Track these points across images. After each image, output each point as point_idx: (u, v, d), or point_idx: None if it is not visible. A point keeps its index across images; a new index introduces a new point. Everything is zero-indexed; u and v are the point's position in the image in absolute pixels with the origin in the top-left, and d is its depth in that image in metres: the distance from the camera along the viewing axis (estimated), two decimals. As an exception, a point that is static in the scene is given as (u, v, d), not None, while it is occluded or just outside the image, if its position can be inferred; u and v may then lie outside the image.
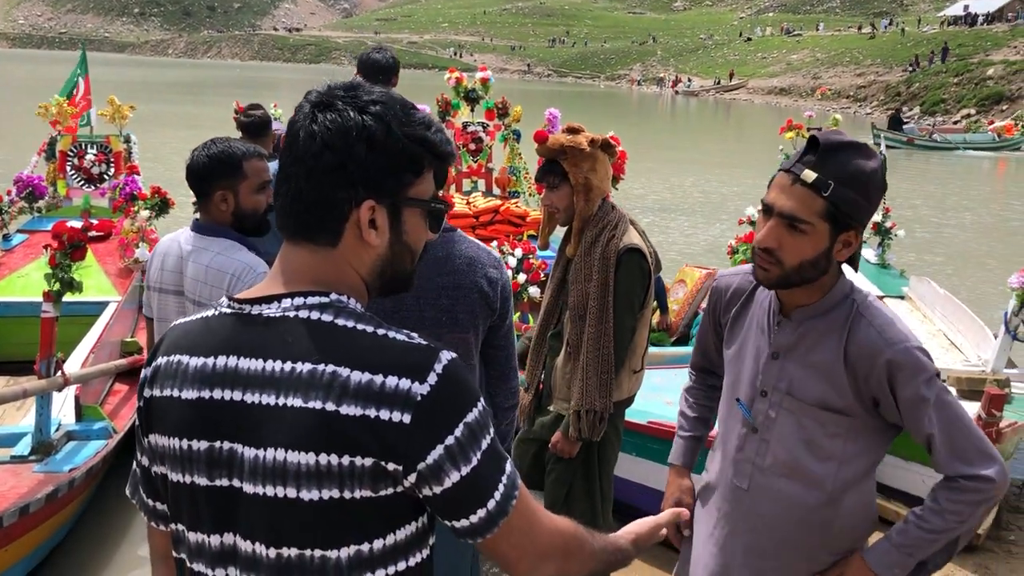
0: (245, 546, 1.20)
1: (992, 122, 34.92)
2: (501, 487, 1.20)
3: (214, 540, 1.22)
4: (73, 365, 4.56)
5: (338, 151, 1.20)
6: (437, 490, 1.17)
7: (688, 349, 4.06)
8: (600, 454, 3.15)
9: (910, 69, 53.24)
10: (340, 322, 1.20)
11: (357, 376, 1.15)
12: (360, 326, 1.20)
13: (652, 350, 5.27)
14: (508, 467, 1.23)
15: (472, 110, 8.10)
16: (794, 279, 1.82)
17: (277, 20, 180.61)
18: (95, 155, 8.16)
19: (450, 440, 1.15)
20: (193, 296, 2.67)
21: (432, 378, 1.16)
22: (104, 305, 5.72)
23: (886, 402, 1.81)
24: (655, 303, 5.85)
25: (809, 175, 1.76)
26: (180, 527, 1.27)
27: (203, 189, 2.74)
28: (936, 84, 45.99)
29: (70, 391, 4.30)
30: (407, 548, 1.22)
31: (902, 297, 6.95)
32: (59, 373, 3.98)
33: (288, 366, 1.17)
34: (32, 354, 4.01)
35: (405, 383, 1.15)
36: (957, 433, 1.76)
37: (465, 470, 1.16)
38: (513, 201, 7.84)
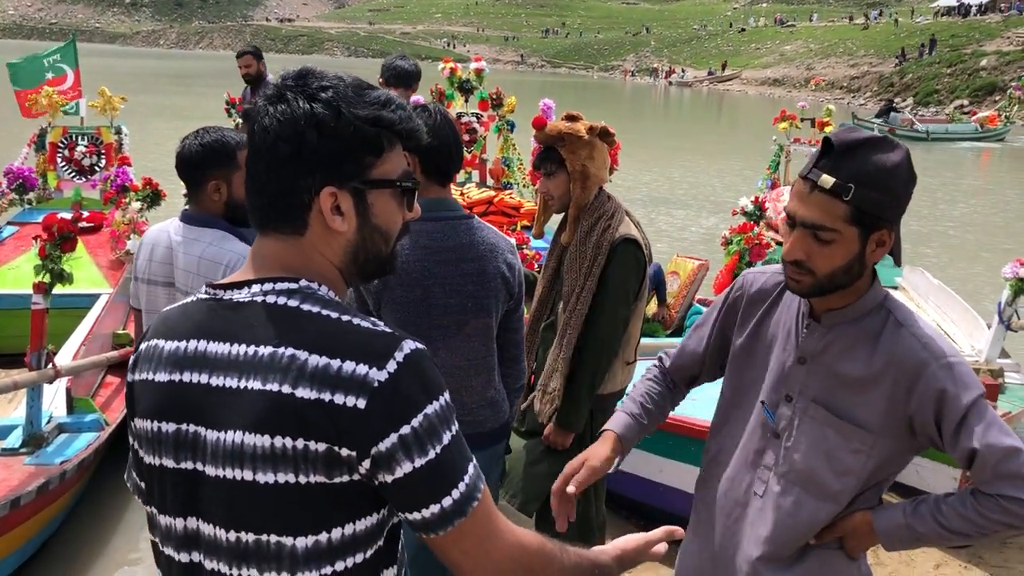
0: (207, 529, 1.21)
1: (975, 112, 34.85)
2: (461, 486, 1.18)
3: (179, 524, 1.24)
4: (64, 357, 4.53)
5: (290, 141, 1.20)
6: (388, 479, 1.15)
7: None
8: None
9: (897, 61, 53.35)
10: (305, 307, 1.20)
11: (315, 360, 1.14)
12: (325, 312, 1.20)
13: (647, 341, 5.27)
14: (471, 469, 1.20)
15: (466, 100, 8.08)
16: (828, 287, 1.75)
17: (269, 11, 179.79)
18: (86, 146, 8.13)
19: (406, 429, 1.14)
20: (185, 287, 2.64)
21: (392, 365, 1.15)
22: (96, 297, 5.70)
23: (923, 419, 1.73)
24: (655, 294, 5.83)
25: (827, 180, 1.67)
26: (153, 510, 1.29)
27: (196, 178, 2.71)
28: (929, 75, 46.03)
29: (61, 383, 4.28)
30: (367, 540, 1.21)
31: (895, 287, 6.95)
32: (50, 365, 3.96)
33: (251, 349, 1.18)
34: (23, 346, 3.99)
35: (363, 368, 1.14)
36: (1006, 454, 1.68)
37: (420, 462, 1.15)
38: (507, 192, 7.83)
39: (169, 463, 1.23)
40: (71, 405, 4.33)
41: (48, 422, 4.13)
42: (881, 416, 1.76)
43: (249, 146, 1.26)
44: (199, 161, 2.68)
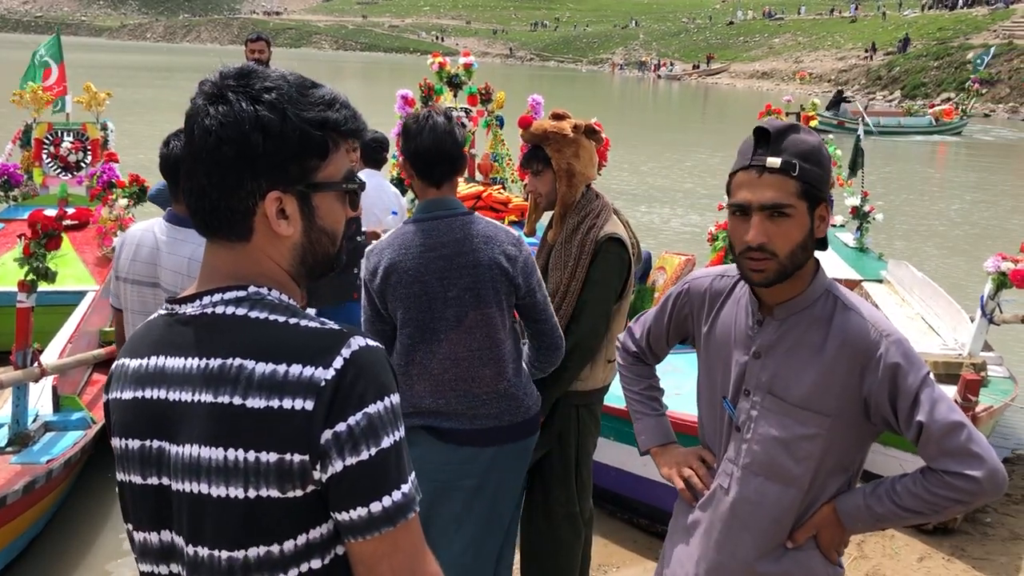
0: (179, 541, 1.21)
1: (933, 105, 34.50)
2: (396, 495, 1.14)
3: (153, 538, 1.24)
4: (51, 355, 4.52)
5: (234, 144, 1.16)
6: (323, 477, 1.13)
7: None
8: (578, 441, 3.13)
9: (868, 56, 53.58)
10: (253, 314, 1.18)
11: (262, 368, 1.13)
12: (273, 317, 1.18)
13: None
14: (410, 484, 1.17)
15: (455, 95, 8.08)
16: (789, 268, 1.81)
17: (256, 4, 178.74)
18: (71, 143, 8.08)
19: (341, 427, 1.12)
20: (173, 287, 2.64)
21: (338, 362, 1.14)
22: (82, 294, 5.68)
23: (878, 400, 1.79)
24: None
25: (775, 161, 1.79)
26: (129, 526, 1.29)
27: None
28: (917, 68, 46.15)
29: (47, 381, 4.27)
30: (322, 548, 1.18)
31: (880, 281, 6.99)
32: (36, 363, 3.95)
33: (203, 362, 1.17)
34: (8, 344, 3.98)
35: (308, 370, 1.13)
36: (950, 429, 1.73)
37: (351, 460, 1.12)
38: (496, 187, 7.83)
39: (137, 479, 1.23)
40: (57, 403, 4.32)
41: (34, 420, 4.12)
42: (836, 400, 1.82)
43: (186, 146, 1.21)
44: None
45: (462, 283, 2.57)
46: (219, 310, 1.20)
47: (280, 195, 1.19)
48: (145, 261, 2.73)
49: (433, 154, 2.60)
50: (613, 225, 3.05)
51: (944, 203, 16.28)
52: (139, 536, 1.26)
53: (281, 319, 1.18)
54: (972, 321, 5.22)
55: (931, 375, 1.79)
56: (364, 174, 4.72)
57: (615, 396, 4.26)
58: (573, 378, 3.03)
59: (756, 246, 1.79)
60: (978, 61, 41.33)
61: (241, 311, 1.19)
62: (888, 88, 45.80)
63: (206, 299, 1.21)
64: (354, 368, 1.14)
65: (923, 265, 8.91)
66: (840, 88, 31.82)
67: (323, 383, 1.12)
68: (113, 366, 1.31)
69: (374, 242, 2.72)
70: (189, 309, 1.22)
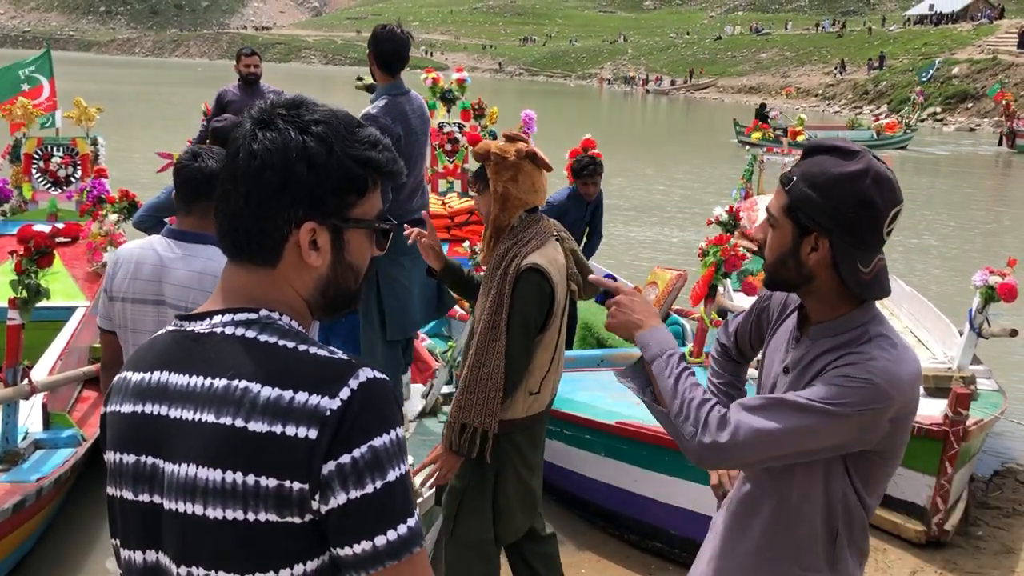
0: (165, 561, 1.20)
1: (878, 119, 34.35)
2: (402, 528, 1.12)
3: (138, 557, 1.23)
4: (40, 372, 4.49)
5: (279, 171, 1.18)
6: (323, 509, 1.12)
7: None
8: (496, 470, 3.02)
9: (838, 72, 54.13)
10: (263, 338, 1.19)
11: (267, 392, 1.13)
12: (282, 342, 1.18)
13: (621, 351, 5.30)
14: (417, 517, 1.15)
15: (448, 111, 8.11)
16: (774, 277, 1.83)
17: (246, 19, 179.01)
18: (61, 157, 8.06)
19: (346, 459, 1.11)
20: (183, 303, 2.57)
21: (345, 392, 1.13)
22: (72, 310, 5.64)
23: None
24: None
25: (785, 171, 1.81)
26: (116, 542, 1.28)
27: (208, 195, 2.65)
28: (903, 83, 46.59)
29: (37, 399, 4.24)
30: None
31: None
32: (26, 381, 3.93)
33: (207, 381, 1.17)
34: (-1, 360, 3.95)
35: (315, 399, 1.12)
36: (762, 420, 1.70)
37: (355, 494, 1.11)
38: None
39: (128, 495, 1.22)
40: (47, 421, 4.28)
41: (24, 438, 4.08)
42: None
43: (228, 167, 1.22)
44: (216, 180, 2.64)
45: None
46: (228, 331, 1.20)
47: (315, 226, 1.20)
48: (147, 279, 2.67)
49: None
50: (540, 255, 2.93)
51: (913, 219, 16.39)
52: (124, 553, 1.25)
53: (291, 344, 1.18)
54: (961, 335, 5.26)
55: (849, 406, 1.67)
56: None
57: (605, 411, 4.29)
58: (498, 410, 2.92)
59: (758, 240, 1.86)
60: (922, 74, 41.75)
61: (251, 333, 1.19)
62: (875, 102, 46.19)
63: (216, 318, 1.22)
64: (361, 400, 1.13)
65: (913, 280, 8.96)
66: (763, 102, 31.33)
67: (328, 412, 1.11)
68: (115, 379, 1.30)
69: None
70: (198, 327, 1.22)
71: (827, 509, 1.83)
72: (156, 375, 1.22)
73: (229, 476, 1.12)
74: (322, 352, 1.18)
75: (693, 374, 1.83)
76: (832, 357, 1.76)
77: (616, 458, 4.15)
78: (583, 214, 5.95)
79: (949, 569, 4.19)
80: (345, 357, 1.19)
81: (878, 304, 1.85)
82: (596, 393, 4.59)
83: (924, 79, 41.33)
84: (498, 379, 2.89)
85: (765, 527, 1.90)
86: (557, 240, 3.06)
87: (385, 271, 4.20)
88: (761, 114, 28.35)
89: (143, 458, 1.20)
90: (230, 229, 1.23)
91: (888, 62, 51.18)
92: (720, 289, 5.08)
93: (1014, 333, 5.20)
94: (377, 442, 1.12)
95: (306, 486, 1.11)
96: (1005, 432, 5.93)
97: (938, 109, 42.21)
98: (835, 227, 1.71)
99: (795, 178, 1.74)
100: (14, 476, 3.81)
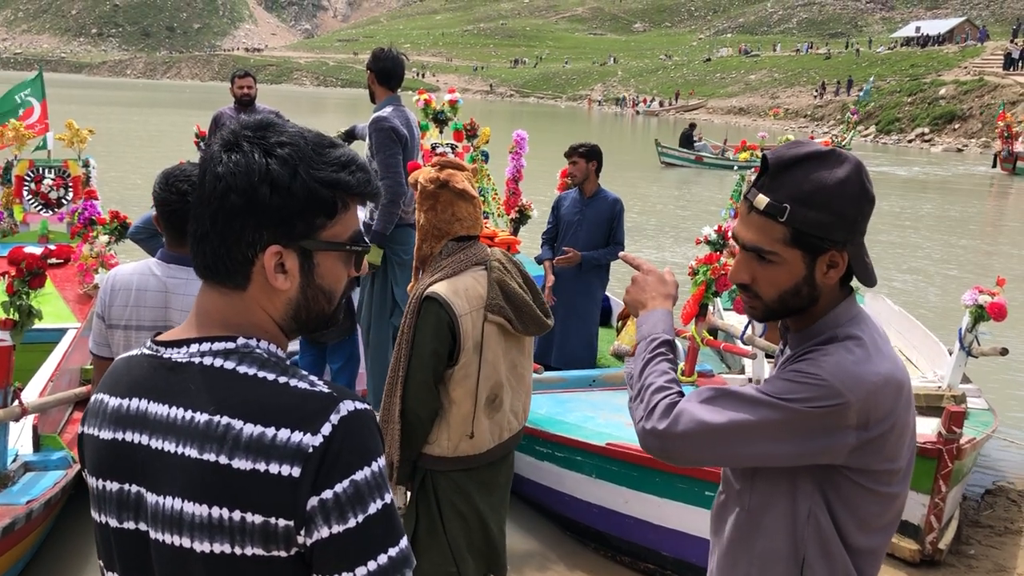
0: None
1: (813, 137, 34.70)
2: (382, 559, 1.12)
3: None
4: (31, 394, 4.47)
5: (242, 193, 1.17)
6: (307, 542, 1.12)
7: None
8: (438, 505, 2.97)
9: (817, 94, 54.68)
10: (242, 369, 1.18)
11: (249, 429, 1.12)
12: (261, 373, 1.17)
13: (612, 371, 5.30)
14: (402, 545, 1.15)
15: (440, 131, 8.14)
16: (779, 311, 1.67)
17: (238, 40, 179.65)
18: (53, 179, 8.06)
19: (328, 494, 1.11)
20: None
21: (326, 429, 1.12)
22: (63, 332, 5.62)
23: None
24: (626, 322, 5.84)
25: (761, 201, 1.59)
26: (101, 563, 1.27)
27: None
28: (891, 104, 47.05)
29: (28, 420, 4.22)
30: None
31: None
32: (16, 403, 3.91)
33: (188, 415, 1.16)
34: (-10, 384, 3.93)
35: (296, 436, 1.11)
36: (717, 411, 1.61)
37: (337, 529, 1.11)
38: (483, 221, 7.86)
39: (113, 522, 1.22)
40: (38, 443, 4.26)
41: (14, 460, 4.06)
42: None
43: (197, 190, 1.22)
44: None
45: None
46: (207, 361, 1.19)
47: (281, 249, 1.19)
48: (153, 306, 2.65)
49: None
50: (447, 284, 2.85)
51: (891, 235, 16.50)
52: None
53: (271, 377, 1.17)
54: (951, 354, 5.28)
55: (796, 402, 1.57)
56: None
57: (595, 433, 4.29)
58: (408, 443, 2.91)
59: (738, 284, 1.68)
60: (862, 94, 42.09)
61: (230, 364, 1.18)
62: (863, 123, 46.55)
63: (194, 347, 1.21)
64: (341, 434, 1.13)
65: (897, 298, 9.00)
66: (692, 123, 31.38)
67: (311, 450, 1.11)
68: (91, 400, 1.29)
69: None
70: (176, 355, 1.21)
71: (792, 528, 1.67)
72: (135, 402, 1.21)
73: (216, 512, 1.12)
74: (303, 384, 1.17)
75: (670, 362, 1.75)
76: (804, 363, 1.65)
77: (607, 479, 4.14)
78: (577, 208, 6.08)
79: (942, 587, 4.19)
80: (326, 389, 1.17)
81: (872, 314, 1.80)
82: (587, 414, 4.59)
83: (863, 98, 41.88)
84: (396, 411, 2.86)
85: (729, 536, 1.79)
86: (485, 269, 2.95)
87: (398, 260, 4.58)
88: (687, 137, 28.34)
89: (126, 486, 1.20)
90: (199, 252, 1.22)
91: (876, 83, 51.67)
92: (710, 308, 5.09)
93: (1004, 352, 5.22)
94: (359, 476, 1.12)
95: (291, 523, 1.11)
96: (996, 451, 5.95)
97: (926, 130, 42.58)
98: (849, 235, 1.61)
99: (787, 205, 1.57)
100: (4, 499, 3.79)
